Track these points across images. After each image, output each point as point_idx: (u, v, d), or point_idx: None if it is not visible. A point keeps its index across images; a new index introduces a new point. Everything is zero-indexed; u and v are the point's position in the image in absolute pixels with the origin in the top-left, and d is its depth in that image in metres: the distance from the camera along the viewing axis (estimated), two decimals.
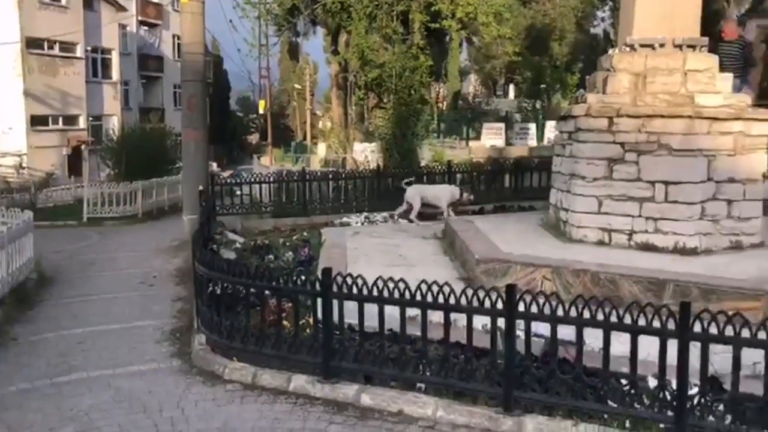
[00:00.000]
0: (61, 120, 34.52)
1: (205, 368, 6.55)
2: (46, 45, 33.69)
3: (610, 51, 9.89)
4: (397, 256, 10.12)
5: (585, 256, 8.21)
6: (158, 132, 29.28)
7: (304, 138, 57.33)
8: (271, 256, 10.57)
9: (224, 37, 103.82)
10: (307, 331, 6.33)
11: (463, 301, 5.39)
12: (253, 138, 70.27)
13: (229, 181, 15.93)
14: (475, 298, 5.34)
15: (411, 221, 12.86)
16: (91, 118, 36.64)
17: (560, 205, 9.83)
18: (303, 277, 6.23)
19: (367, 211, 14.43)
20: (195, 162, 14.58)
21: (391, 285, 5.65)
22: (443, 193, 13.13)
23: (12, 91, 31.61)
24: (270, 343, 6.27)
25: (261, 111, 52.97)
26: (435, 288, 5.49)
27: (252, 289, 6.50)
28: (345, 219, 13.98)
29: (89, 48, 36.89)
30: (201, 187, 13.83)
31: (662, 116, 8.52)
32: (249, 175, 16.44)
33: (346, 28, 20.20)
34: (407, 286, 5.60)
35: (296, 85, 61.40)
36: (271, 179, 15.37)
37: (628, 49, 9.32)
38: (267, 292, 6.46)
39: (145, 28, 45.64)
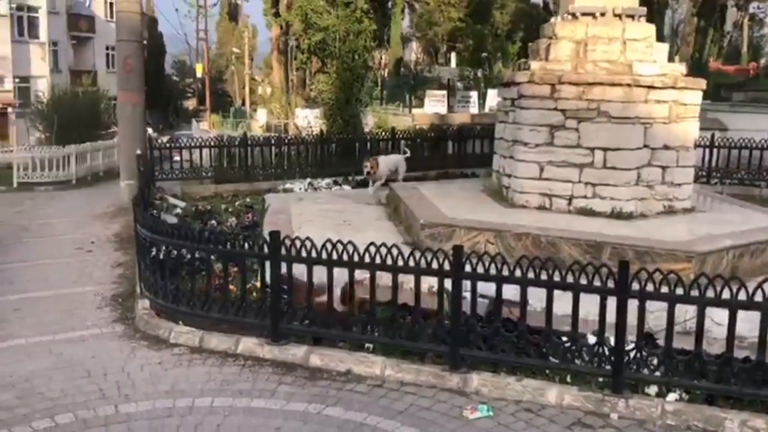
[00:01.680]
0: None
1: (149, 333, 6.47)
2: None
3: (553, 19, 10.05)
4: (341, 222, 10.15)
5: (527, 220, 8.43)
6: (91, 95, 28.20)
7: (243, 103, 56.18)
8: (214, 222, 10.44)
9: None
10: (254, 294, 6.31)
11: (411, 262, 5.47)
12: (190, 103, 68.52)
13: (168, 145, 15.51)
14: (423, 259, 5.42)
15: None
16: (17, 80, 34.93)
17: (503, 171, 10.01)
18: (251, 241, 6.19)
19: (311, 177, 14.37)
20: (132, 126, 14.16)
21: (340, 247, 5.68)
22: (398, 163, 12.99)
23: None
24: (217, 307, 6.23)
25: (199, 75, 51.56)
26: (383, 250, 5.54)
27: (198, 253, 6.41)
28: (288, 185, 13.89)
29: (14, 5, 35.01)
30: (139, 152, 13.46)
31: (602, 84, 8.76)
32: (189, 140, 16.04)
33: None
34: (356, 249, 5.64)
35: (235, 49, 59.85)
36: (212, 144, 15.05)
37: (570, 17, 9.49)
38: (213, 255, 6.40)
39: None
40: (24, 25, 36.42)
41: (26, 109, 32.13)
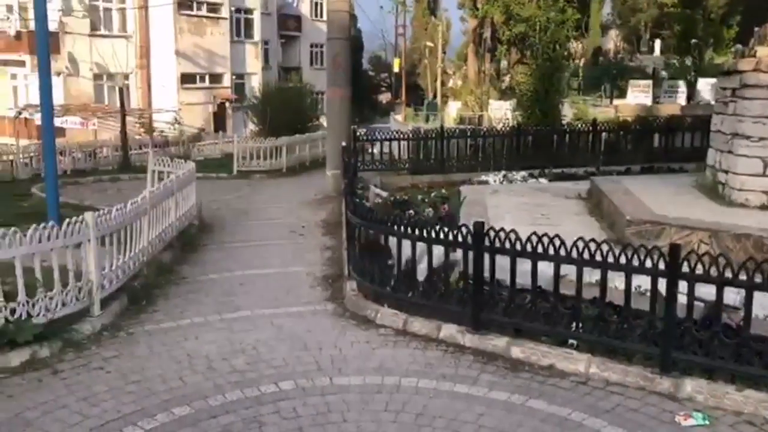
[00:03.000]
0: (207, 78, 36.45)
1: (357, 312, 6.89)
2: (194, 5, 35.54)
3: None
4: (539, 215, 10.02)
5: (747, 220, 7.79)
6: (298, 90, 30.25)
7: (434, 96, 57.08)
8: (411, 212, 10.76)
9: None
10: (454, 283, 6.47)
11: (622, 259, 5.30)
12: (384, 97, 70.81)
13: (370, 137, 16.25)
14: (635, 257, 5.23)
15: None
16: (234, 77, 38.38)
17: (719, 166, 9.31)
18: (454, 231, 6.34)
19: (505, 169, 14.27)
20: (339, 119, 15.01)
21: (545, 241, 5.65)
22: None
23: (165, 50, 33.74)
24: (420, 292, 6.48)
25: (396, 69, 53.21)
26: (592, 246, 5.43)
27: (405, 240, 6.70)
28: (483, 177, 13.93)
29: (233, 8, 38.46)
30: (344, 144, 14.25)
31: None
32: (386, 133, 16.67)
33: None
34: (563, 243, 5.57)
35: (428, 43, 60.89)
36: (410, 136, 15.52)
37: None
38: (418, 243, 6.64)
39: None
40: (241, 26, 39.86)
41: (241, 103, 35.32)
